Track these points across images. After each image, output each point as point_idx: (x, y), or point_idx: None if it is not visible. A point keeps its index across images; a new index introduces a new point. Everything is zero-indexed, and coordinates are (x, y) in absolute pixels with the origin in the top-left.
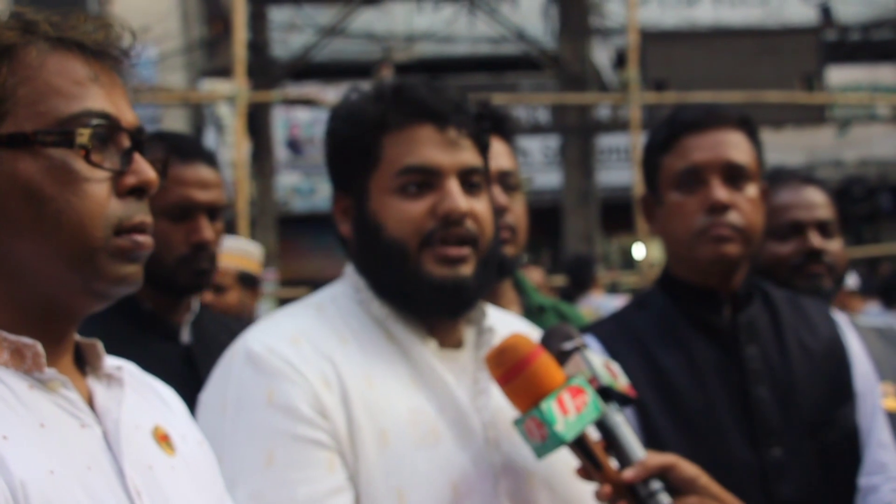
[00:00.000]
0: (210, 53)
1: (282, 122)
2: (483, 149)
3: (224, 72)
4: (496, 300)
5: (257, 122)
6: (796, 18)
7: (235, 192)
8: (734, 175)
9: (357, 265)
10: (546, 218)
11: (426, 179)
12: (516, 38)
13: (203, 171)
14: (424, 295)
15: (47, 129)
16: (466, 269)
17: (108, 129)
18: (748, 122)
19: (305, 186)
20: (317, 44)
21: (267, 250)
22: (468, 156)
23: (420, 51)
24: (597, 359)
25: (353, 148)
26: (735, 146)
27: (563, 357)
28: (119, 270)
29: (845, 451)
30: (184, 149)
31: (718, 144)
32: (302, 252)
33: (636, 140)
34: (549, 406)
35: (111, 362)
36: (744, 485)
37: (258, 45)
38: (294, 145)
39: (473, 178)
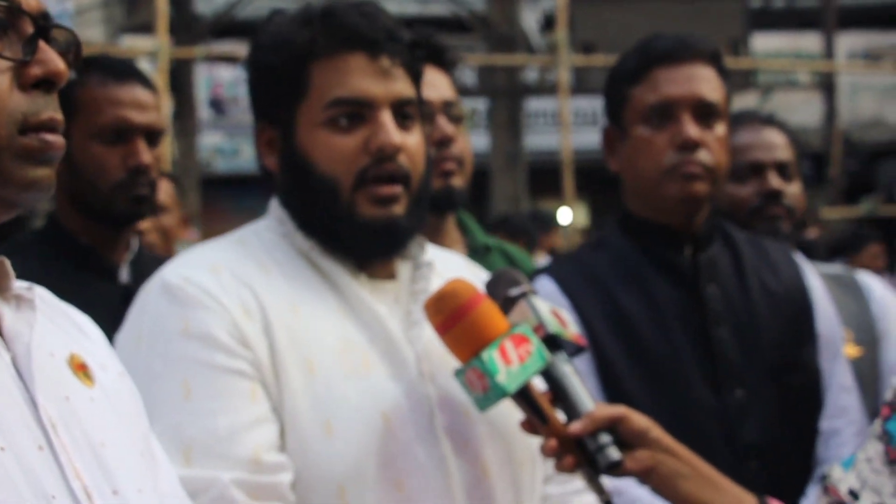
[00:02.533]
0: (129, 8)
1: (205, 80)
2: (416, 78)
3: (145, 28)
4: (439, 238)
5: (179, 80)
6: None
7: None
8: (705, 112)
9: (283, 199)
10: (473, 181)
11: (357, 111)
12: None
13: (139, 93)
14: (356, 235)
15: None
16: (398, 209)
17: (7, 13)
18: (718, 57)
19: (228, 147)
20: (241, 0)
21: (189, 211)
22: (401, 86)
23: None
24: (544, 306)
25: (278, 77)
26: (707, 81)
27: (508, 304)
28: (27, 174)
29: (807, 394)
30: (117, 69)
31: (691, 79)
32: (225, 213)
33: (564, 103)
34: (491, 355)
35: (20, 283)
36: (705, 427)
37: (180, 1)
38: (217, 105)
39: (407, 109)
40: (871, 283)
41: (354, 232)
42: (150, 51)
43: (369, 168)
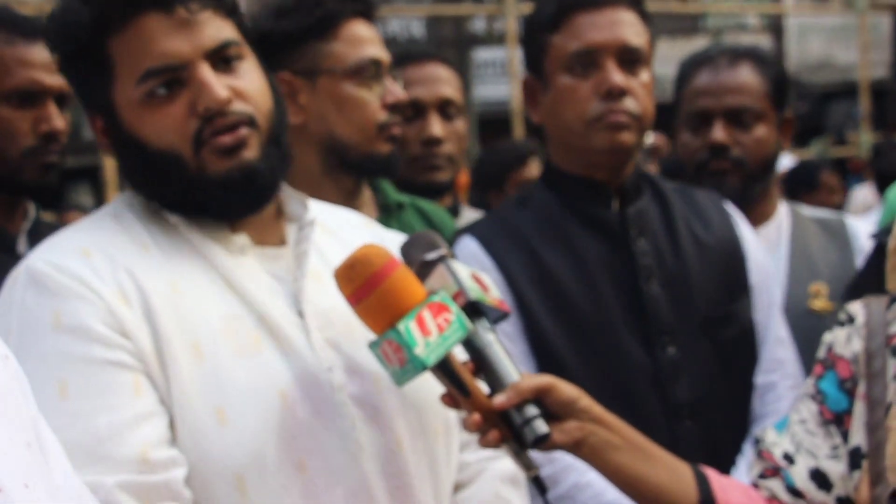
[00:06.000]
0: None
1: None
2: (231, 12)
3: None
4: (351, 199)
5: None
6: None
7: None
8: (630, 58)
9: (135, 187)
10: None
11: (173, 77)
12: None
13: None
14: (214, 196)
15: None
16: (250, 153)
17: None
18: (640, 2)
19: None
20: None
21: None
22: (212, 31)
23: None
24: (464, 270)
25: (81, 62)
26: (631, 26)
27: (425, 269)
28: None
29: (742, 348)
30: (27, 27)
31: (614, 24)
32: None
33: (513, 53)
34: (407, 326)
35: None
36: (638, 387)
37: None
38: None
39: (228, 52)
40: (860, 230)
41: (211, 192)
42: None
43: (203, 129)
